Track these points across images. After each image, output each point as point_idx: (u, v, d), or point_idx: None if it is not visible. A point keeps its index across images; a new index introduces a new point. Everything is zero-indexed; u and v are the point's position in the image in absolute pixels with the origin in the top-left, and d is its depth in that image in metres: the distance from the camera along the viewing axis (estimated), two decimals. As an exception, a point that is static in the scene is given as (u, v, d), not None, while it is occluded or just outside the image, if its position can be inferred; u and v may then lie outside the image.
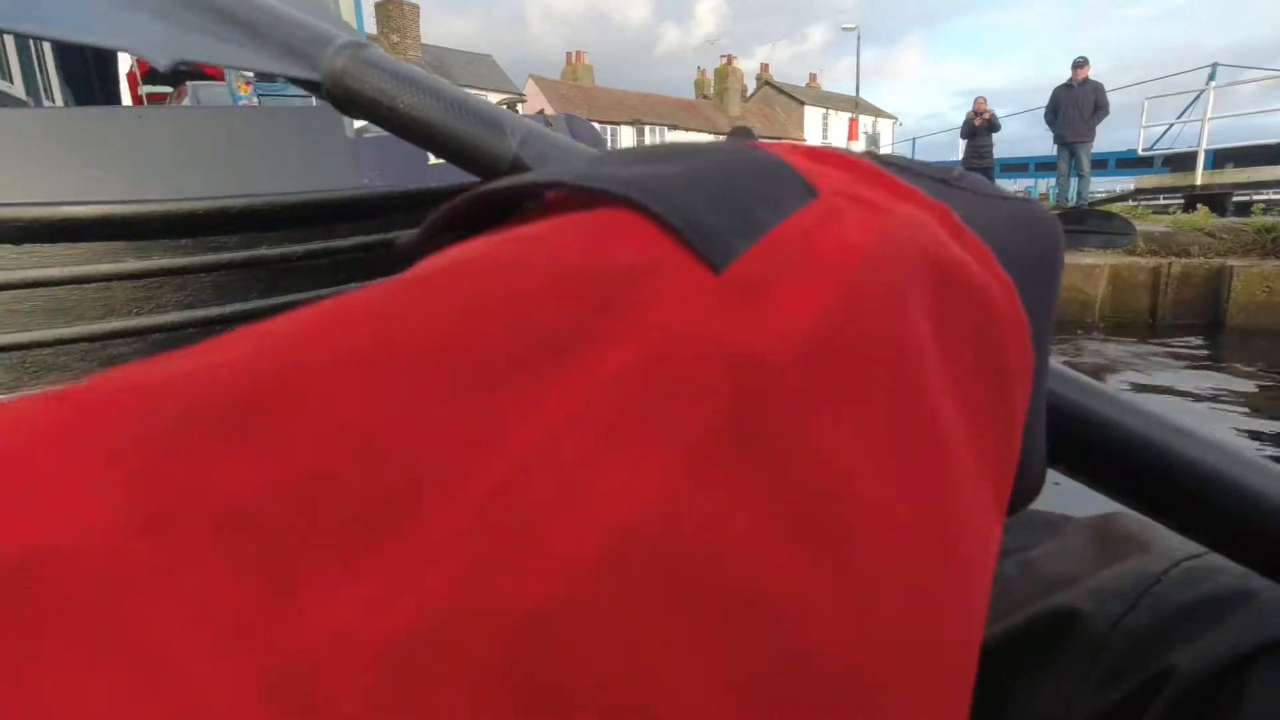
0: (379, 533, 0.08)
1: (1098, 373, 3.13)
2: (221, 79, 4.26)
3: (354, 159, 3.24)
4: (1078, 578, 0.38)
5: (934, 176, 0.18)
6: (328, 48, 0.31)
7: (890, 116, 37.62)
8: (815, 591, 0.10)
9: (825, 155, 0.16)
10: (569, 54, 29.94)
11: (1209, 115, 8.61)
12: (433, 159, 3.56)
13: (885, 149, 27.84)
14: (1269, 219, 4.54)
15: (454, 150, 0.33)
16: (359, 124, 4.60)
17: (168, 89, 5.45)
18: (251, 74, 3.73)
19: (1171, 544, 0.38)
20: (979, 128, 9.03)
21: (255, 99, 3.62)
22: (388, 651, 0.07)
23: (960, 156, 9.52)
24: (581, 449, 0.09)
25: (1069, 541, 0.39)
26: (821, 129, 34.23)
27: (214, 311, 3.04)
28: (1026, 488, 0.19)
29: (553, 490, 0.09)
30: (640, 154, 0.14)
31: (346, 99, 0.33)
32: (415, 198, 3.46)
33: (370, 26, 20.93)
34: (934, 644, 0.12)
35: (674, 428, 0.10)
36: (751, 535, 0.10)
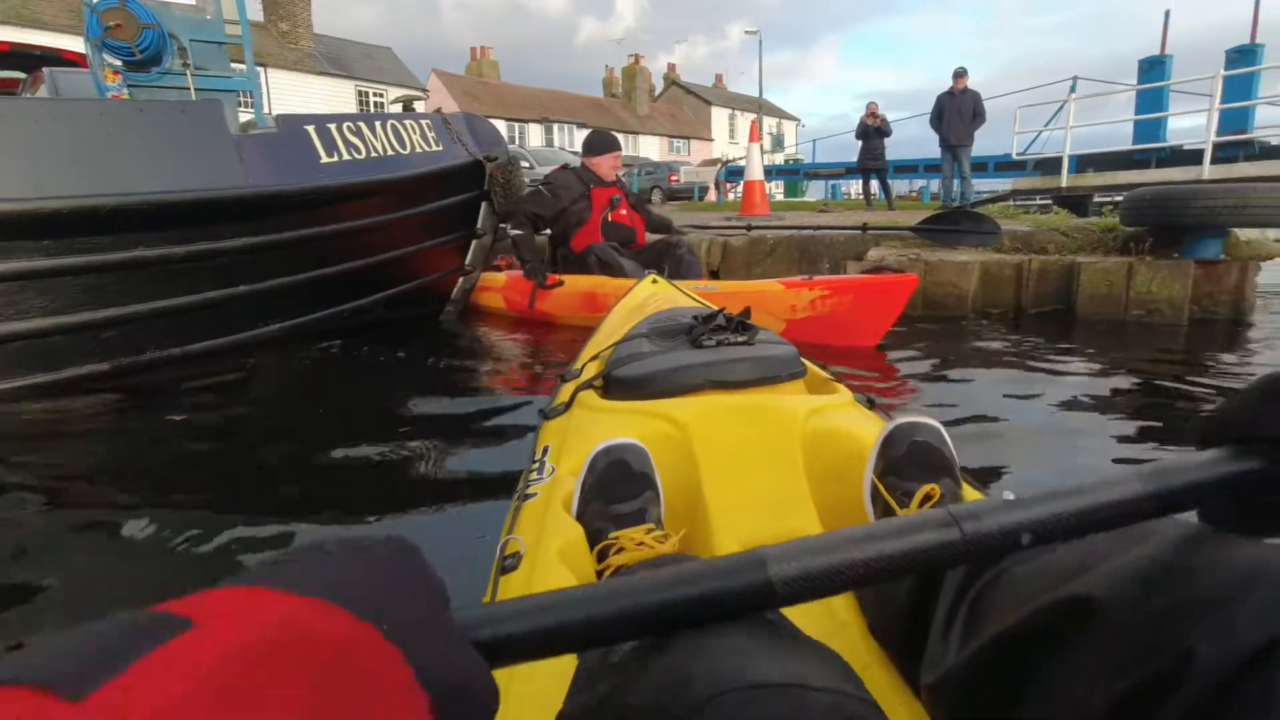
0: None
1: (977, 357, 3.40)
2: (84, 65, 3.92)
3: (238, 157, 3.07)
4: (1094, 565, 0.38)
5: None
6: None
7: (793, 118, 38.94)
8: None
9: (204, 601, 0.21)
10: (473, 49, 29.32)
11: (1070, 124, 9.42)
12: (324, 157, 3.41)
13: (789, 149, 28.74)
14: (1111, 220, 5.03)
15: None
16: (244, 118, 4.34)
17: (20, 74, 4.95)
18: (119, 62, 3.45)
19: (1186, 528, 0.38)
20: (871, 131, 9.49)
21: (125, 90, 3.35)
22: None
23: (856, 158, 9.99)
24: None
25: None
26: (729, 129, 35.05)
27: (85, 317, 2.81)
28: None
29: None
30: None
31: None
32: (306, 197, 3.32)
33: (255, 13, 19.65)
34: None
35: None
36: None
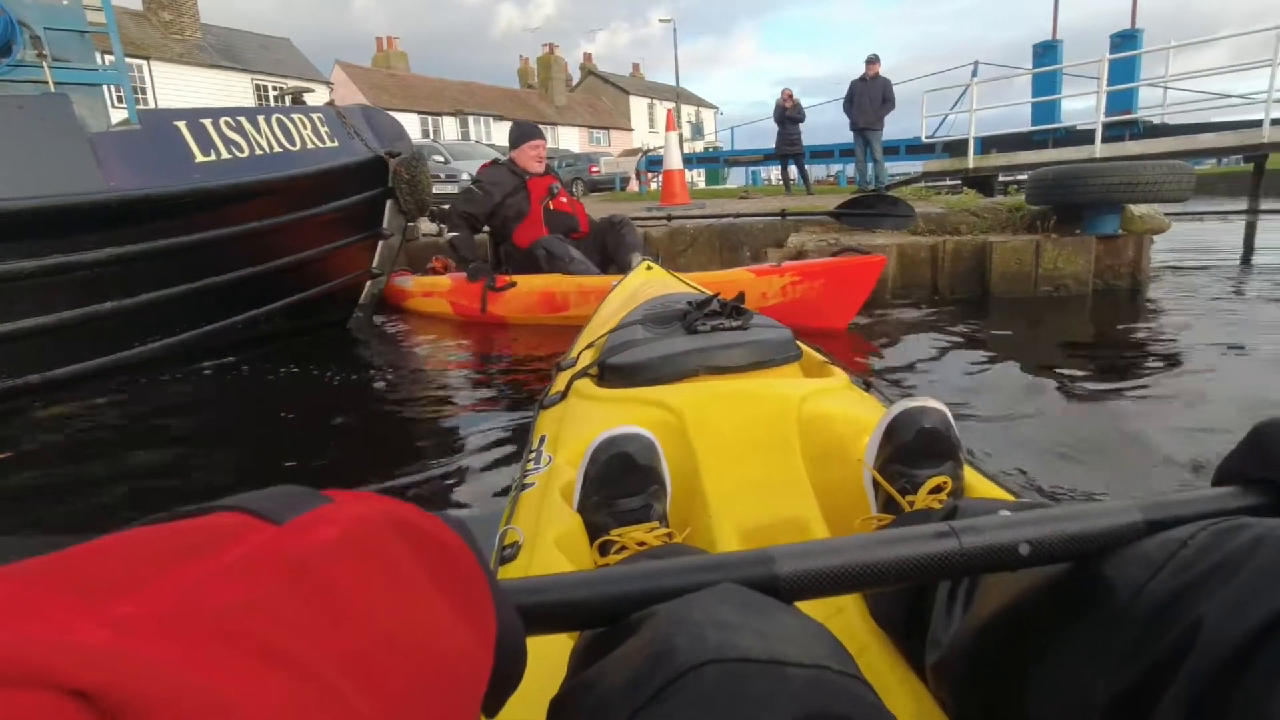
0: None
1: (898, 335, 3.42)
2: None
3: (94, 158, 2.72)
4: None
5: None
6: None
7: (711, 106, 39.26)
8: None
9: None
10: (379, 39, 28.09)
11: (974, 107, 9.77)
12: (199, 156, 3.09)
13: (709, 136, 28.94)
14: (1017, 199, 5.19)
15: None
16: (120, 116, 3.90)
17: None
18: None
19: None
20: (786, 117, 9.58)
21: (-46, 84, 2.94)
22: None
23: (775, 144, 10.07)
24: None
25: None
26: (648, 119, 35.00)
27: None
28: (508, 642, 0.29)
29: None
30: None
31: None
32: (180, 200, 2.99)
33: (133, 1, 18.18)
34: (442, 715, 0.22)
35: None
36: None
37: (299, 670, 0.17)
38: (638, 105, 35.19)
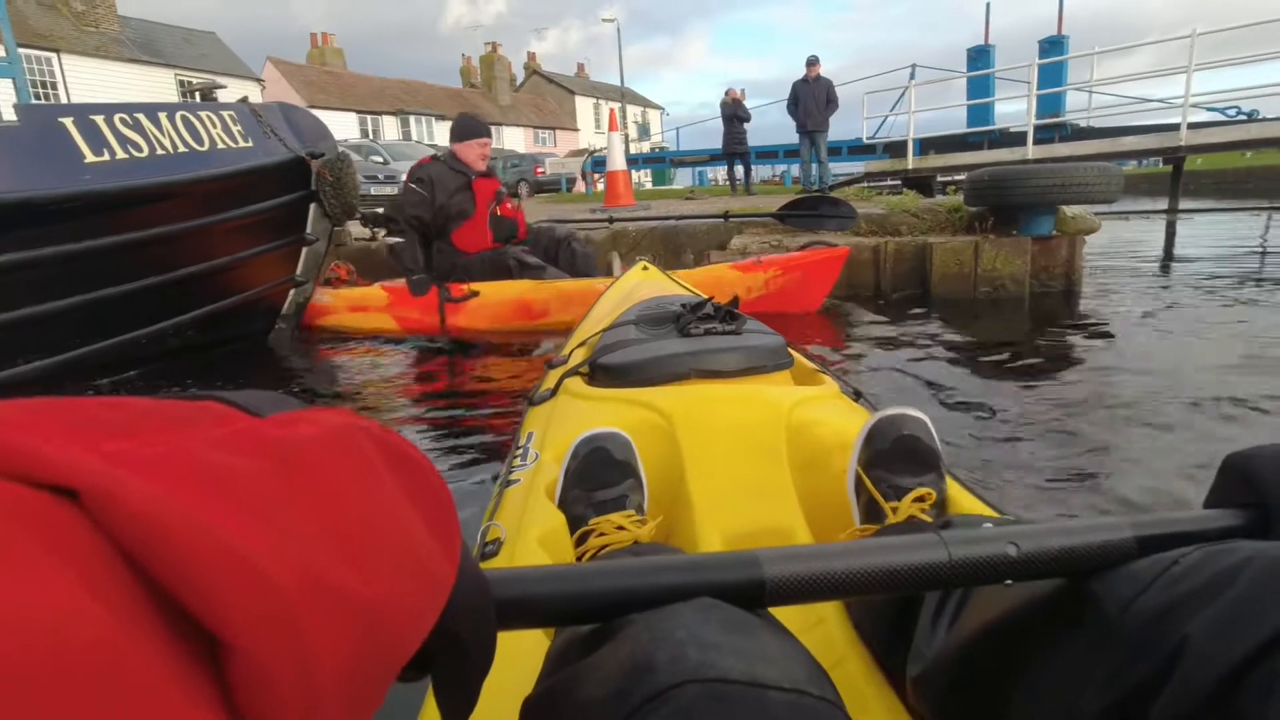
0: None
1: (841, 336, 3.40)
2: None
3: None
4: None
5: None
6: None
7: (657, 107, 39.33)
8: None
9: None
10: (314, 35, 27.04)
11: (913, 109, 9.96)
12: (90, 156, 2.82)
13: (655, 136, 28.94)
14: (956, 199, 5.25)
15: None
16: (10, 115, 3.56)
17: None
18: None
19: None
20: (732, 115, 9.58)
21: None
22: None
23: (721, 144, 10.06)
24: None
25: None
26: (594, 119, 34.81)
27: None
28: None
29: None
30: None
31: None
32: (66, 204, 2.71)
33: (43, -9, 17.01)
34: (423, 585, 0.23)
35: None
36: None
37: (279, 527, 0.17)
38: (583, 105, 34.96)
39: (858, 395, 1.18)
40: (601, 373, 1.15)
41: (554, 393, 1.19)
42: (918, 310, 4.23)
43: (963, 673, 0.45)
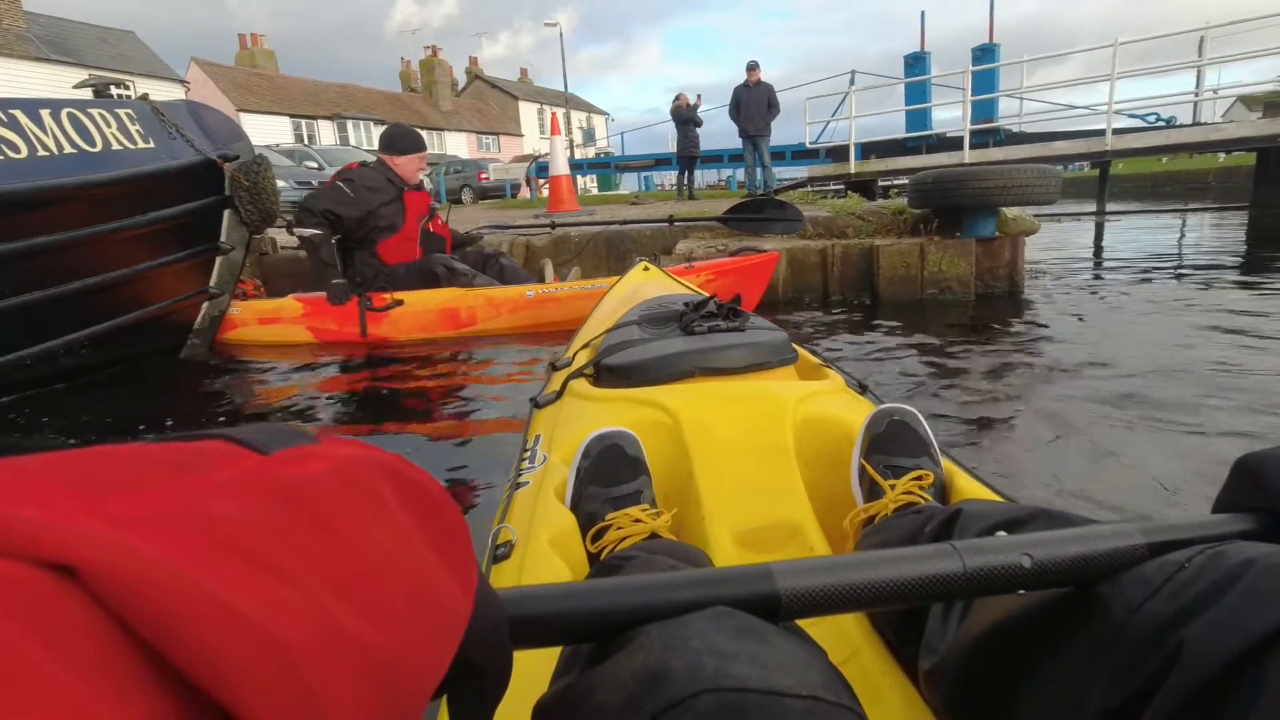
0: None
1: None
2: None
3: None
4: None
5: None
6: None
7: (602, 113, 39.23)
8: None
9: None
10: (242, 36, 25.94)
11: (854, 114, 10.08)
12: (41, 151, 2.48)
13: (600, 141, 28.81)
14: (900, 202, 5.26)
15: None
16: None
17: None
18: None
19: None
20: (687, 121, 9.53)
21: None
22: None
23: (674, 148, 10.00)
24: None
25: None
26: (538, 124, 34.46)
27: None
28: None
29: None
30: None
31: None
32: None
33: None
34: (434, 636, 0.22)
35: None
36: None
37: (288, 579, 0.17)
38: (527, 110, 34.59)
39: (863, 388, 1.17)
40: (607, 373, 1.16)
41: (559, 394, 1.19)
42: (865, 311, 4.20)
43: (972, 669, 0.45)
